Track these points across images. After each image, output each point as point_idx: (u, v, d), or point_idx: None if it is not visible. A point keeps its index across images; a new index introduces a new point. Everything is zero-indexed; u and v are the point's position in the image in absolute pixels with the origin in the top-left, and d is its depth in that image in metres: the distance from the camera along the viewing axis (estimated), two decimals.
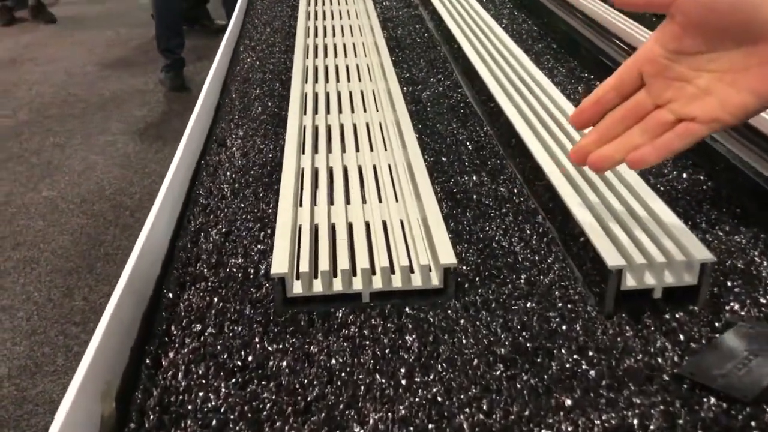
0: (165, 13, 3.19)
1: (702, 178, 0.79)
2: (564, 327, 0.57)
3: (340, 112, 0.93)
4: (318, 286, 0.59)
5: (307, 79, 1.04)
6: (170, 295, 0.61)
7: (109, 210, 2.47)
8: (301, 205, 0.70)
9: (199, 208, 0.74)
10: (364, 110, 0.94)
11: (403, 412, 0.48)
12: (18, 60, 3.88)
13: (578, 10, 1.31)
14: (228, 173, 0.82)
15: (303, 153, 0.81)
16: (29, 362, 1.79)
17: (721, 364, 0.51)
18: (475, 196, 0.77)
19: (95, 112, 3.23)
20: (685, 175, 0.80)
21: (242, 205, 0.75)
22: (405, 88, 1.07)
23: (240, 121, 0.96)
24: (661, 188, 0.77)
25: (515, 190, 0.78)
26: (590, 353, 0.54)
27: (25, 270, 2.18)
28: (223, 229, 0.70)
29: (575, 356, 0.54)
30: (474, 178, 0.81)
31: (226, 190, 0.78)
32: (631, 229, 0.62)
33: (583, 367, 0.53)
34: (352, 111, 0.94)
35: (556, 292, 0.62)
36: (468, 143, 0.90)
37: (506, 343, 0.55)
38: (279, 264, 0.58)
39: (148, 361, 0.53)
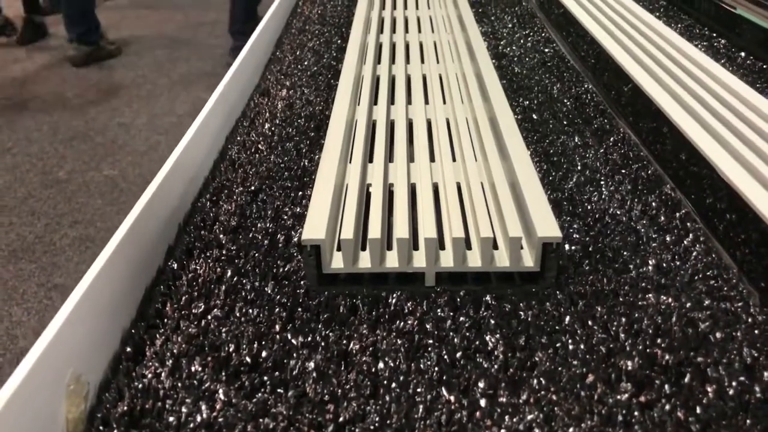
0: None
1: None
2: (719, 334, 0.39)
3: (407, 62, 0.77)
4: (365, 261, 0.43)
5: (370, 30, 0.88)
6: (174, 264, 0.46)
7: None
8: (350, 162, 0.54)
9: (227, 163, 0.60)
10: (437, 61, 0.78)
11: None
12: None
13: None
14: (267, 125, 0.67)
15: (358, 104, 0.65)
16: None
17: None
18: (578, 159, 0.59)
19: (162, 93, 3.19)
20: None
21: (279, 160, 0.60)
22: (487, 42, 0.90)
23: (289, 70, 0.81)
24: None
25: (631, 155, 0.59)
26: (764, 374, 0.36)
27: (80, 248, 2.11)
28: (252, 187, 0.55)
29: (741, 378, 0.36)
30: (576, 139, 0.63)
31: (262, 144, 0.63)
32: None
33: (757, 395, 0.35)
34: (422, 61, 0.77)
35: (701, 285, 0.43)
36: (566, 100, 0.72)
37: (634, 353, 0.37)
38: (314, 228, 0.42)
39: (128, 350, 0.38)
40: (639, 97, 0.62)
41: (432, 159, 0.55)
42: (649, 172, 0.56)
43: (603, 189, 0.54)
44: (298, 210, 0.52)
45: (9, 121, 2.79)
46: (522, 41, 0.90)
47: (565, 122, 0.66)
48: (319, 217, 0.43)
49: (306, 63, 0.84)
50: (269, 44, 0.92)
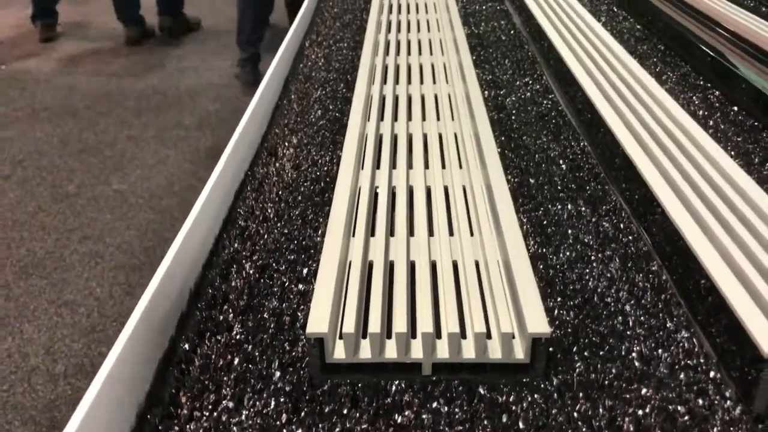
0: (248, 4, 3.12)
1: None
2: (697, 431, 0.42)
3: (409, 119, 0.80)
4: (366, 351, 0.46)
5: (374, 80, 0.91)
6: (186, 345, 0.49)
7: (176, 206, 2.43)
8: (353, 236, 0.57)
9: (236, 231, 0.63)
10: (438, 117, 0.81)
11: None
12: (100, 50, 3.95)
13: (690, 6, 1.12)
14: (275, 189, 0.70)
15: (362, 168, 0.68)
16: (85, 361, 1.75)
17: None
18: (570, 232, 0.62)
19: (171, 105, 3.23)
20: None
21: (286, 230, 0.63)
22: (486, 92, 0.93)
23: (296, 126, 0.84)
24: None
25: (622, 226, 0.62)
26: None
27: (90, 264, 2.15)
28: (260, 261, 0.58)
29: None
30: (569, 206, 0.66)
31: (270, 209, 0.66)
32: None
33: None
34: (423, 118, 0.80)
35: (681, 375, 0.46)
36: (561, 161, 0.75)
37: None
38: (317, 321, 0.45)
39: None
40: (630, 167, 0.65)
41: (431, 233, 0.58)
42: (639, 245, 0.59)
43: (593, 266, 0.57)
44: (302, 287, 0.55)
45: (20, 133, 2.83)
46: (521, 91, 0.93)
47: (559, 187, 0.69)
48: (322, 307, 0.46)
49: (312, 117, 0.87)
50: (276, 90, 0.95)
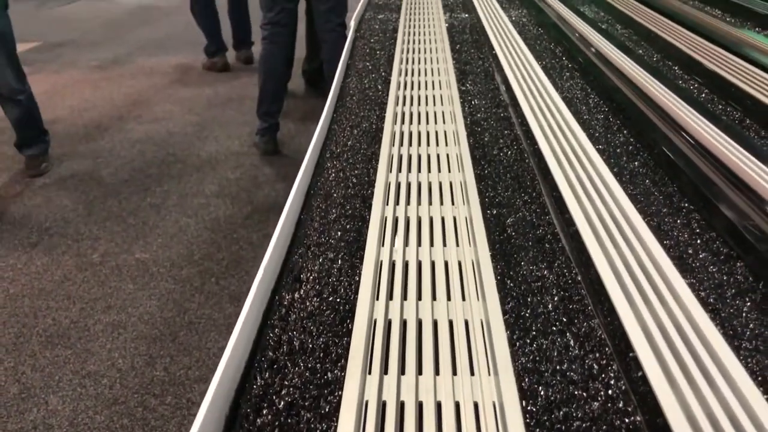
0: (269, 78, 3.28)
1: None
2: None
3: (419, 245, 0.90)
4: None
5: (389, 200, 1.01)
6: None
7: (196, 275, 2.53)
8: (369, 373, 0.66)
9: (265, 372, 0.72)
10: (444, 243, 0.90)
11: None
12: (124, 118, 4.12)
13: (681, 127, 1.22)
14: (302, 315, 0.79)
15: (377, 299, 0.78)
16: None
17: None
18: (558, 369, 0.70)
19: (192, 173, 3.36)
20: None
21: (308, 374, 0.72)
22: (489, 211, 1.03)
23: (318, 249, 0.95)
24: None
25: (609, 370, 0.71)
26: None
27: (113, 335, 2.25)
28: (281, 402, 0.67)
29: None
30: (558, 342, 0.75)
31: (295, 341, 0.76)
32: None
33: None
34: (431, 244, 0.90)
35: None
36: (555, 290, 0.84)
37: None
38: None
39: None
40: (613, 314, 0.74)
41: (437, 371, 0.67)
42: (622, 405, 0.67)
43: (581, 413, 0.65)
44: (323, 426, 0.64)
45: (47, 200, 2.96)
46: (520, 214, 1.03)
47: (549, 322, 0.78)
48: None
49: (332, 237, 0.97)
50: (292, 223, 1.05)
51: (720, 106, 1.43)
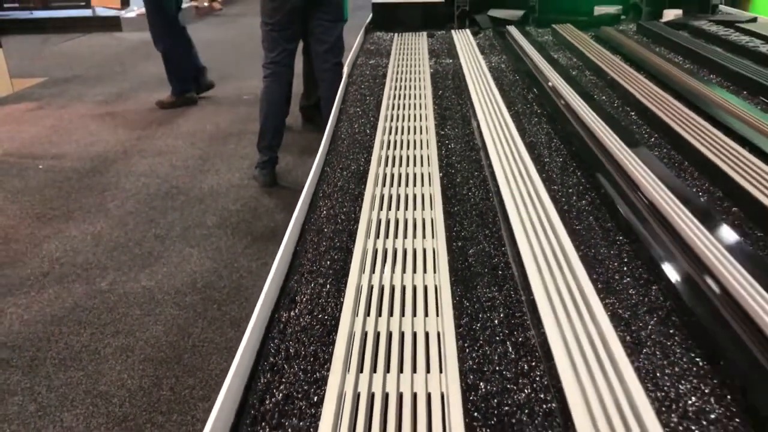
0: (270, 113, 3.49)
1: None
2: None
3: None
4: None
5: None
6: None
7: (199, 302, 2.70)
8: None
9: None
10: (414, 271, 1.09)
11: None
12: (129, 152, 4.32)
13: (623, 170, 1.41)
14: (296, 329, 0.98)
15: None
16: None
17: None
18: (497, 368, 0.89)
19: (194, 204, 3.54)
20: None
21: (302, 367, 0.90)
22: (455, 244, 1.22)
23: (310, 276, 1.13)
24: None
25: (537, 370, 0.89)
26: None
27: (122, 357, 2.41)
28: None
29: None
30: (500, 348, 0.93)
31: (291, 348, 0.94)
32: None
33: None
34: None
35: None
36: (501, 309, 1.02)
37: None
38: None
39: None
40: (542, 326, 0.92)
41: (401, 370, 0.85)
42: (542, 382, 0.86)
43: (504, 401, 0.83)
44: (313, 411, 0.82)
45: (56, 231, 3.15)
46: (480, 246, 1.22)
47: (494, 334, 0.97)
48: None
49: (322, 265, 1.16)
50: (294, 242, 1.24)
51: (664, 150, 1.63)
